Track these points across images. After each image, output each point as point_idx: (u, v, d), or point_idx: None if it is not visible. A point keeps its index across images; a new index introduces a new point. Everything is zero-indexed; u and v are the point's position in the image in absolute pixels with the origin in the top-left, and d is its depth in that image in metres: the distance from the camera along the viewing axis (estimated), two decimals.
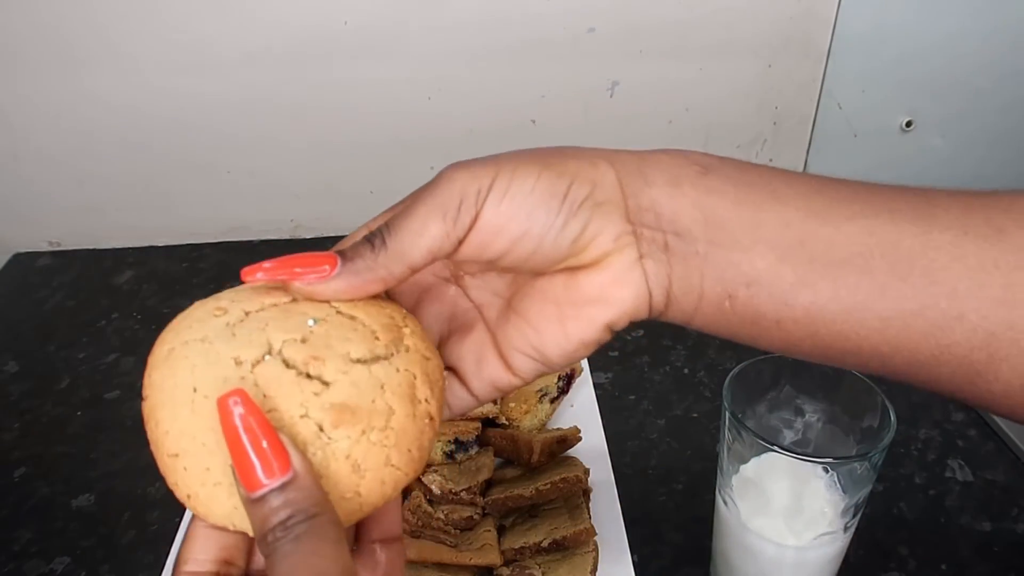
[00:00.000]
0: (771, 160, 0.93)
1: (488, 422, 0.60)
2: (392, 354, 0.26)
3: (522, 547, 0.49)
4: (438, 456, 0.57)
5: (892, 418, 0.42)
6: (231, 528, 0.25)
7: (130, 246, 0.92)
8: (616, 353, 0.73)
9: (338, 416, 0.24)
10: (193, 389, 0.25)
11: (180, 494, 0.26)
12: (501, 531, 0.52)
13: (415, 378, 0.26)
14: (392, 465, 0.25)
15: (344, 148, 0.88)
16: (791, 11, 0.84)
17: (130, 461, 0.62)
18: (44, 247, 0.92)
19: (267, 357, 0.25)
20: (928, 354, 0.28)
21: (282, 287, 0.28)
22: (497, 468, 0.58)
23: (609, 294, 0.30)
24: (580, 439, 0.59)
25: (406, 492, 0.51)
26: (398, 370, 0.26)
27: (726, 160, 0.31)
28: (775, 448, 0.40)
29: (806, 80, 0.88)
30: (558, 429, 0.58)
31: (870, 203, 0.29)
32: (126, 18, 0.78)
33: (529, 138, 0.88)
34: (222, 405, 0.23)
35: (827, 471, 0.43)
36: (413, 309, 0.33)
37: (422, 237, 0.28)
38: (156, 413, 0.25)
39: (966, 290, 0.27)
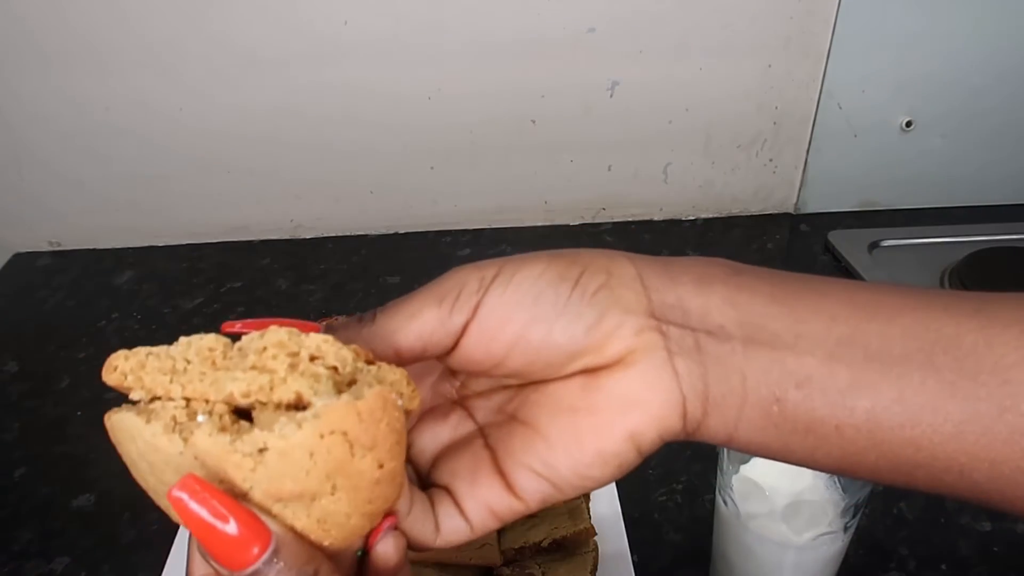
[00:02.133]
0: (771, 160, 0.93)
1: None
2: (316, 414, 0.22)
3: (522, 547, 0.49)
4: None
5: None
6: None
7: (130, 246, 0.92)
8: None
9: (278, 493, 0.22)
10: (140, 457, 0.23)
11: None
12: (501, 531, 0.52)
13: (346, 435, 0.22)
14: (354, 517, 0.24)
15: (344, 148, 0.88)
16: (791, 11, 0.84)
17: None
18: (44, 247, 0.92)
19: (199, 418, 0.23)
20: (1013, 464, 0.24)
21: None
22: None
23: (635, 396, 0.26)
24: None
25: None
26: (322, 436, 0.22)
27: (757, 267, 0.28)
28: None
29: (806, 80, 0.88)
30: None
31: (920, 297, 0.26)
32: (126, 19, 0.78)
33: (529, 138, 0.88)
34: (176, 501, 0.21)
35: None
36: (411, 427, 0.30)
37: (414, 320, 0.26)
38: (128, 468, 0.24)
39: None
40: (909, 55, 0.86)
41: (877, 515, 0.56)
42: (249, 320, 0.26)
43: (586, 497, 0.54)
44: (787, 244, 0.92)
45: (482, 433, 0.30)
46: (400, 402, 0.24)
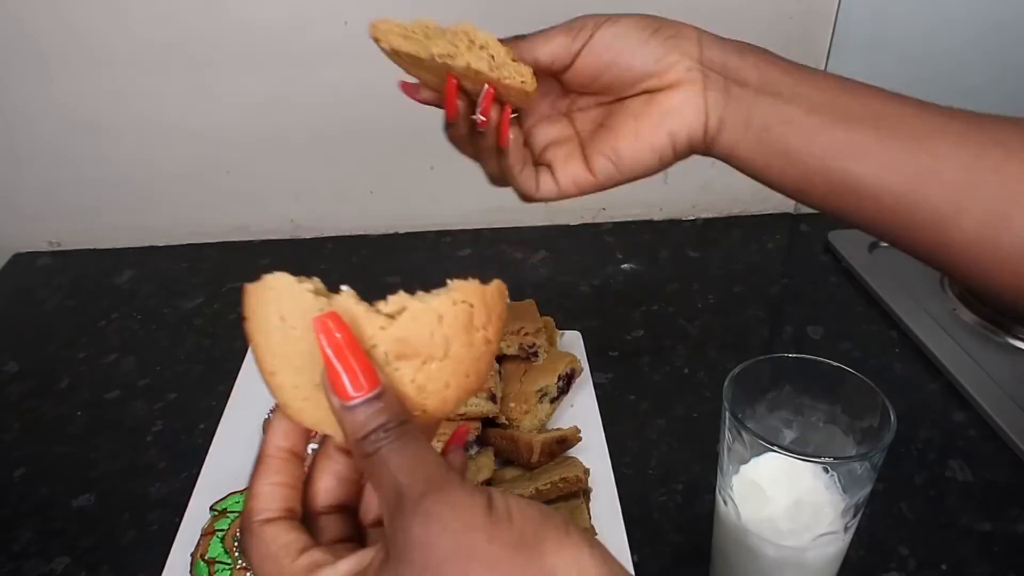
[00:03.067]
0: None
1: (488, 422, 0.60)
2: (451, 288, 0.28)
3: None
4: None
5: (892, 418, 0.42)
6: (320, 431, 0.29)
7: (130, 246, 0.92)
8: (616, 353, 0.73)
9: (400, 350, 0.27)
10: (280, 318, 0.27)
11: (279, 402, 0.29)
12: None
13: (472, 307, 0.28)
14: (451, 387, 0.28)
15: (344, 148, 0.88)
16: (791, 11, 0.84)
17: (130, 461, 0.62)
18: (44, 247, 0.92)
19: (342, 288, 0.28)
20: (909, 200, 0.38)
21: None
22: (497, 468, 0.58)
23: (676, 109, 0.40)
24: (580, 439, 0.59)
25: None
26: (455, 303, 0.28)
27: (786, 59, 0.41)
28: (775, 448, 0.40)
29: None
30: (558, 429, 0.59)
31: (894, 96, 0.40)
32: (125, 18, 0.78)
33: None
34: (320, 323, 0.26)
35: (827, 471, 0.43)
36: (533, 124, 0.44)
37: (551, 41, 0.41)
38: (254, 337, 0.28)
39: (945, 153, 0.37)
40: (909, 55, 0.86)
41: (877, 515, 0.56)
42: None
43: (586, 497, 0.54)
44: (787, 244, 0.92)
45: (578, 136, 0.44)
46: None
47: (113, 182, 0.88)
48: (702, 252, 0.90)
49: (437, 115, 0.45)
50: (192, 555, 0.49)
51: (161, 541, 0.54)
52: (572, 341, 0.70)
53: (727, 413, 0.43)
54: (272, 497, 0.30)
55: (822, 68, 0.87)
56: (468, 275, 0.29)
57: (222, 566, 0.46)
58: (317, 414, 0.28)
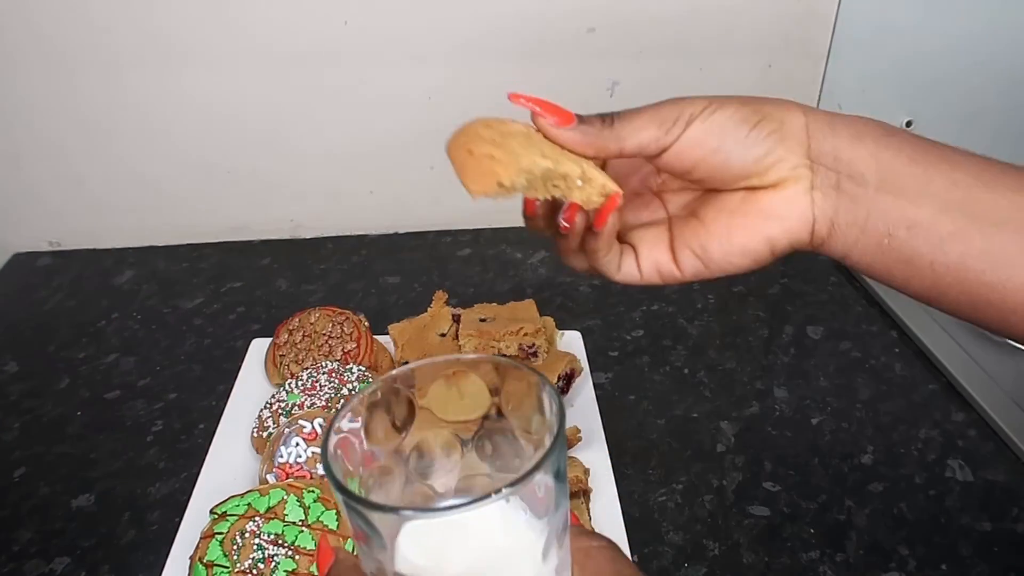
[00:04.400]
0: None
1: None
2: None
3: None
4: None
5: (554, 405, 0.27)
6: (541, 167, 0.34)
7: (130, 246, 0.92)
8: (616, 353, 0.73)
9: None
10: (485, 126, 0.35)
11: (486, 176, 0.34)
12: None
13: (604, 186, 0.36)
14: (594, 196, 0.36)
15: (344, 148, 0.88)
16: (791, 11, 0.84)
17: (130, 461, 0.62)
18: (44, 247, 0.92)
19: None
20: None
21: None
22: None
23: (778, 211, 0.36)
24: (580, 439, 0.59)
25: None
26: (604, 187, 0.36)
27: (906, 131, 0.36)
28: (428, 512, 0.25)
29: (806, 80, 0.88)
30: None
31: None
32: (124, 19, 0.78)
33: None
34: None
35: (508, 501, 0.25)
36: (624, 206, 0.40)
37: (640, 133, 0.36)
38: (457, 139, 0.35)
39: None
40: (909, 55, 0.86)
41: (877, 515, 0.56)
42: (531, 96, 0.36)
43: (586, 497, 0.54)
44: None
45: (668, 221, 0.40)
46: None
47: (113, 182, 0.88)
48: None
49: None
50: (191, 558, 0.49)
51: (161, 541, 0.54)
52: (572, 341, 0.70)
53: (338, 493, 0.24)
54: None
55: (822, 68, 0.87)
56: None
57: (220, 569, 0.46)
58: (525, 160, 0.34)
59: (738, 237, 0.37)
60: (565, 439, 0.27)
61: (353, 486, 0.26)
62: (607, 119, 0.36)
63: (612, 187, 0.36)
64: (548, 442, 0.26)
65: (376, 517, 0.24)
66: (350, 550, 0.47)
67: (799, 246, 0.37)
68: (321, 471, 0.53)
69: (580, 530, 0.29)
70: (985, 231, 0.33)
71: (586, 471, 0.54)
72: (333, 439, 0.26)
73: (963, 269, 0.34)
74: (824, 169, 0.35)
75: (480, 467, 0.30)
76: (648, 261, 0.39)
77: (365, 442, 0.28)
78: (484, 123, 0.36)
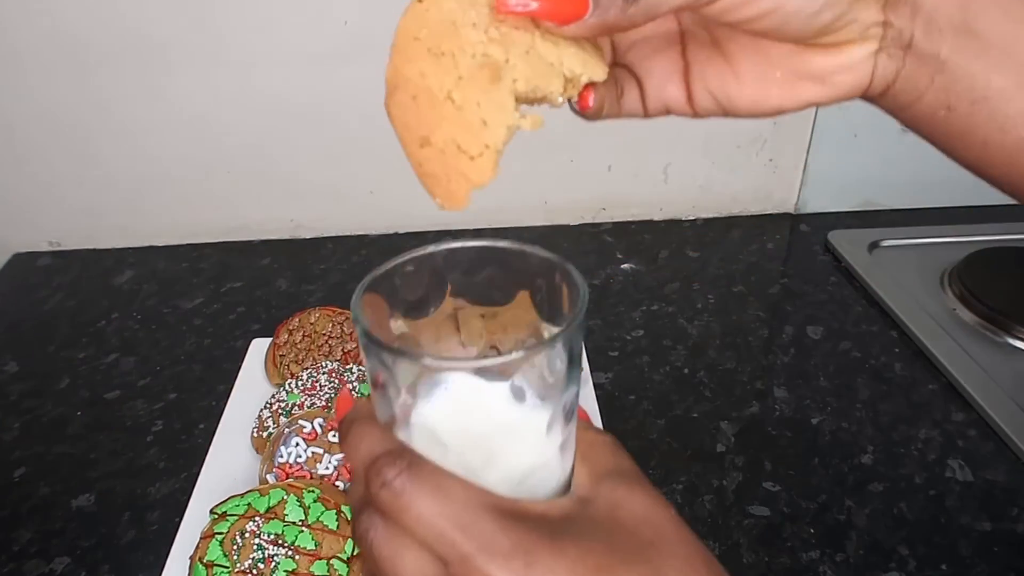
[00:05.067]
0: (771, 160, 0.93)
1: None
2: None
3: None
4: None
5: (580, 288, 0.28)
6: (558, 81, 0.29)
7: (130, 246, 0.92)
8: (616, 353, 0.73)
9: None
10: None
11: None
12: None
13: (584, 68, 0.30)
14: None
15: (344, 148, 0.88)
16: None
17: (130, 461, 0.62)
18: (44, 247, 0.92)
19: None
20: None
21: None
22: None
23: (833, 77, 0.30)
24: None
25: None
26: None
27: None
28: (422, 360, 0.26)
29: None
30: None
31: None
32: (125, 20, 0.78)
33: (528, 138, 0.87)
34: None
35: (520, 397, 0.28)
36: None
37: None
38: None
39: None
40: None
41: (877, 515, 0.56)
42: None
43: None
44: (787, 244, 0.92)
45: (682, 39, 0.33)
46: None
47: (113, 182, 0.88)
48: (702, 252, 0.90)
49: None
50: (191, 558, 0.49)
51: (161, 541, 0.54)
52: None
53: (364, 338, 0.27)
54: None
55: None
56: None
57: (220, 569, 0.46)
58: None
59: (775, 97, 0.31)
60: (583, 323, 0.28)
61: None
62: None
63: (597, 73, 0.30)
64: (565, 323, 0.28)
65: (397, 364, 0.26)
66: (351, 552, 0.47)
67: (845, 100, 0.32)
68: (321, 471, 0.53)
69: (587, 424, 0.30)
70: None
71: None
72: (365, 296, 0.28)
73: (1020, 153, 0.29)
74: (897, 24, 0.29)
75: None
76: (656, 97, 0.34)
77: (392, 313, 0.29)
78: (415, 18, 0.31)
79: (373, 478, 0.25)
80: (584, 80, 0.30)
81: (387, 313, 0.29)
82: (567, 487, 0.29)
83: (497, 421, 0.28)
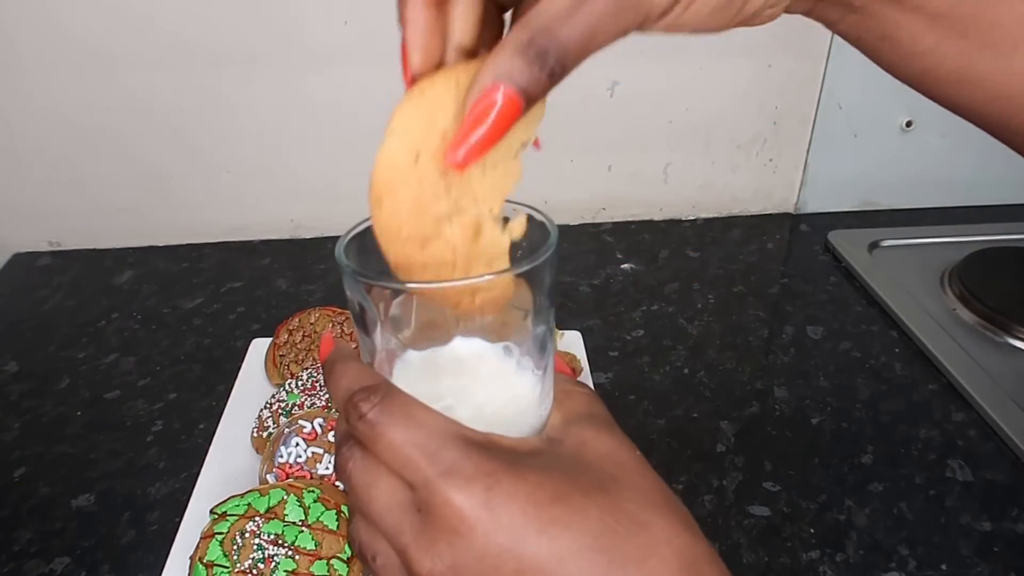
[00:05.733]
0: (771, 160, 0.93)
1: None
2: None
3: None
4: None
5: (549, 227, 0.31)
6: None
7: (130, 246, 0.92)
8: (616, 353, 0.73)
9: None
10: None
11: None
12: None
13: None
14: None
15: (344, 148, 0.88)
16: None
17: (130, 461, 0.62)
18: (44, 247, 0.92)
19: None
20: None
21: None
22: None
23: (754, 21, 0.31)
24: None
25: None
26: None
27: None
28: (411, 285, 0.29)
29: (806, 80, 0.88)
30: None
31: None
32: (125, 19, 0.78)
33: None
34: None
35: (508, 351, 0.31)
36: None
37: (597, 38, 0.28)
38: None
39: None
40: None
41: (877, 515, 0.56)
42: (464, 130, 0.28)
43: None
44: (787, 244, 0.92)
45: None
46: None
47: (113, 182, 0.88)
48: (702, 252, 0.90)
49: None
50: (191, 558, 0.49)
51: (161, 541, 0.54)
52: (572, 341, 0.70)
53: (349, 275, 0.30)
54: None
55: (822, 68, 0.87)
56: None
57: (220, 569, 0.46)
58: None
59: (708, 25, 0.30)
60: (551, 261, 0.30)
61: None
62: (539, 55, 0.26)
63: (537, 125, 0.32)
64: (532, 258, 0.29)
65: (380, 293, 0.29)
66: (349, 556, 0.47)
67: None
68: (321, 471, 0.53)
69: (564, 377, 0.32)
70: (971, 43, 0.30)
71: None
72: (349, 242, 0.31)
73: (933, 80, 0.32)
74: None
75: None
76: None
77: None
78: (392, 217, 0.30)
79: (351, 412, 0.26)
80: (533, 136, 0.31)
81: (371, 259, 0.31)
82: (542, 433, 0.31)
83: (466, 354, 0.30)
